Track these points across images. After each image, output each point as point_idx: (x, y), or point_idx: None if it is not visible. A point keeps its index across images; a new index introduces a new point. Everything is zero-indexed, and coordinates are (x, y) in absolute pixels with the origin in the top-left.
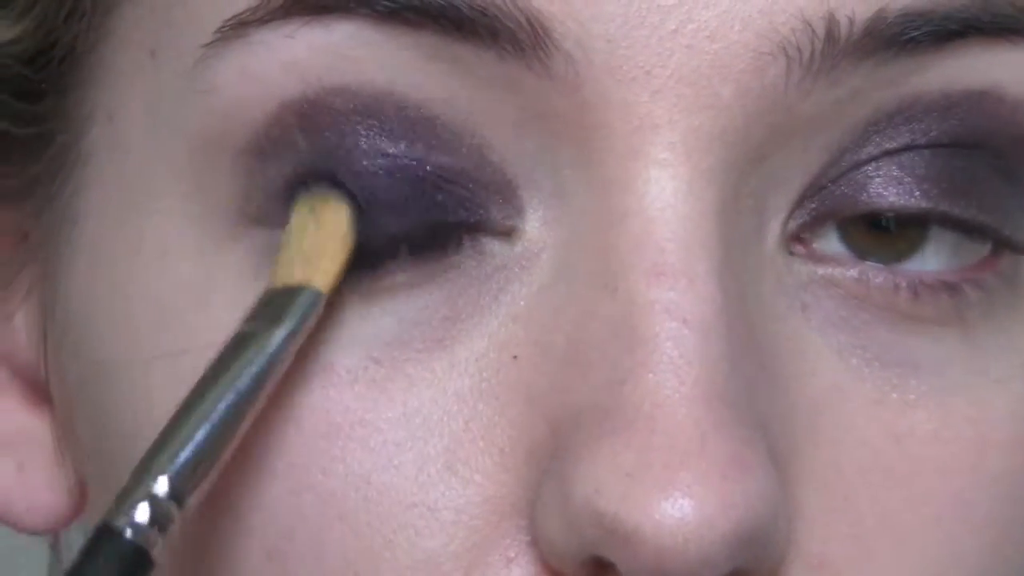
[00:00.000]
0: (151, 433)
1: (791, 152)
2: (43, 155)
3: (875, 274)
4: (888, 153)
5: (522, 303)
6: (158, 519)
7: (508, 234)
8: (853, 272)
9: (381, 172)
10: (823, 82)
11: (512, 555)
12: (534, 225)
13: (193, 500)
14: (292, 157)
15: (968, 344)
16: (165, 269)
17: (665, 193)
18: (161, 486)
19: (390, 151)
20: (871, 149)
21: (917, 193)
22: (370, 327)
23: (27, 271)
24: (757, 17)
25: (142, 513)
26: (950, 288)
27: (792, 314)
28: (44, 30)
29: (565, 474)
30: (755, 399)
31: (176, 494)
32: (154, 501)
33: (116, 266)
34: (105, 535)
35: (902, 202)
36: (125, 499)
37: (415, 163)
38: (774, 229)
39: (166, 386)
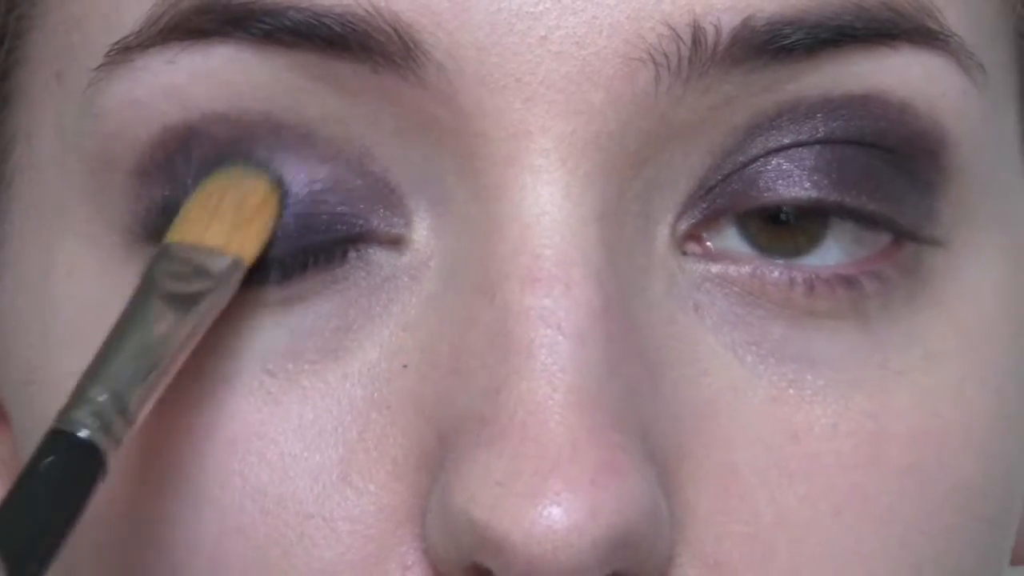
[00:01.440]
0: None
1: (672, 156)
2: None
3: (770, 270)
4: (774, 151)
5: (412, 312)
6: (106, 427)
7: (396, 243)
8: (747, 268)
9: None
10: (694, 89)
11: (409, 563)
12: (422, 234)
13: (140, 415)
14: (173, 181)
15: (867, 337)
16: (71, 289)
17: (541, 199)
18: (104, 397)
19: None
20: (756, 150)
21: (807, 184)
22: (264, 339)
23: None
24: (624, 23)
25: (92, 419)
26: (846, 281)
27: (685, 315)
28: None
29: (446, 484)
30: (637, 403)
31: (121, 407)
32: (100, 411)
33: (34, 287)
34: (56, 436)
35: (792, 194)
36: (74, 407)
37: (293, 185)
38: (663, 231)
39: None
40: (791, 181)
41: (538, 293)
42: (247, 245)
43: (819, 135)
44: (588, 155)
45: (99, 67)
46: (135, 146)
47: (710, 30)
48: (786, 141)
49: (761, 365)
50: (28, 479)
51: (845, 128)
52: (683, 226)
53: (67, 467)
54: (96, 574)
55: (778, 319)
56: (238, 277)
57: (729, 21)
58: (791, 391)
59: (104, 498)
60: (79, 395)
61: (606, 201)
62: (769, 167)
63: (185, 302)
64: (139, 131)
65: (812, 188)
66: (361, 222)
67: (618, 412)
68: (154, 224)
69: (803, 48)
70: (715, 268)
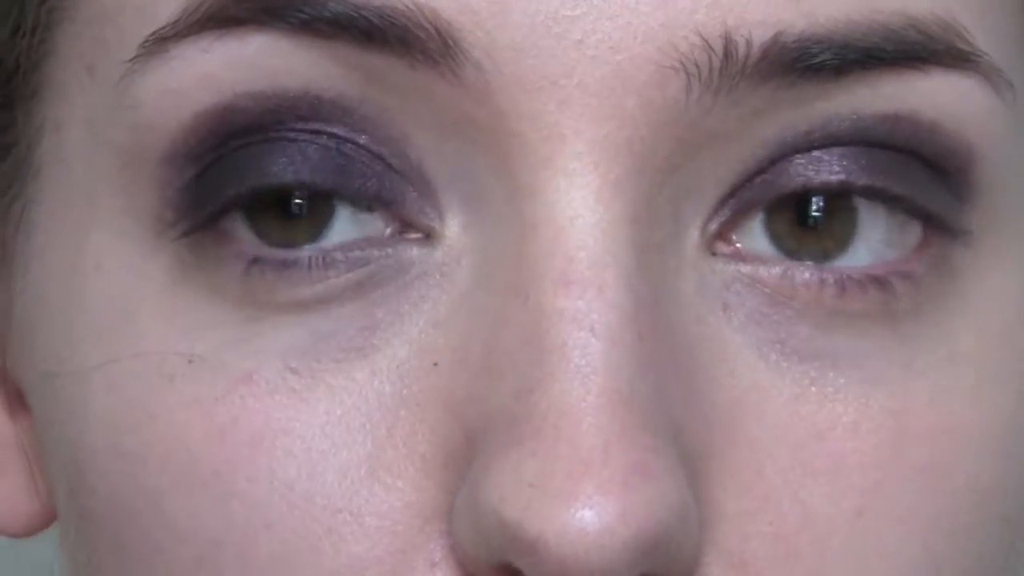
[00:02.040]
0: (91, 442)
1: (703, 164)
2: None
3: (800, 271)
4: (804, 150)
5: (443, 309)
6: None
7: (428, 236)
8: (777, 269)
9: (296, 152)
10: (724, 100)
11: (436, 559)
12: (454, 230)
13: None
14: (206, 157)
15: (895, 336)
16: (99, 283)
17: (574, 203)
18: None
19: (304, 130)
20: (784, 157)
21: (836, 168)
22: (285, 338)
23: None
24: (658, 30)
25: None
26: (878, 282)
27: (714, 315)
28: None
29: (476, 482)
30: (668, 405)
31: None
32: None
33: (59, 279)
34: None
35: (822, 179)
36: None
37: (331, 139)
38: (693, 233)
39: (101, 396)
40: (821, 167)
41: (572, 295)
42: None
43: (849, 145)
44: (620, 159)
45: (133, 59)
46: (166, 134)
47: (741, 43)
48: (815, 146)
49: (784, 363)
50: None
51: (874, 141)
52: (713, 226)
53: None
54: (120, 568)
55: (805, 319)
56: None
57: (760, 35)
58: (813, 389)
59: (129, 492)
60: None
61: (637, 205)
62: (798, 156)
63: None
64: (170, 119)
65: (841, 172)
66: (395, 194)
67: (649, 414)
68: (183, 203)
69: (831, 68)
70: (745, 268)
